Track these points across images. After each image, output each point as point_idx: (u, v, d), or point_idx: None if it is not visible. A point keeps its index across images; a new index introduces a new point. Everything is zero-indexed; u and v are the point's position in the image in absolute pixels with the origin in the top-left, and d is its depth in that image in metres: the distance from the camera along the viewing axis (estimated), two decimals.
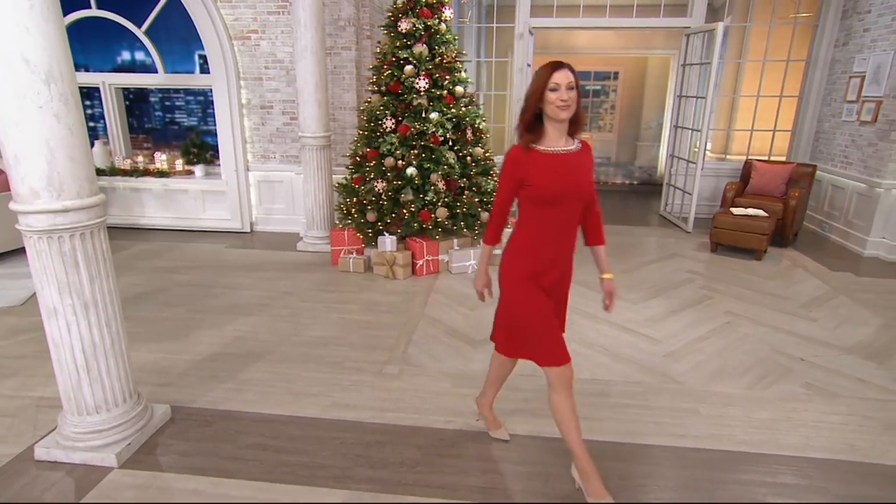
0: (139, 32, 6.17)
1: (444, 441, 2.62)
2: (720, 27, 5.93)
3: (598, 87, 11.01)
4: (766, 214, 5.54)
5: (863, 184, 5.79)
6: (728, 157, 8.29)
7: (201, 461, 2.48)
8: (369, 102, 5.07)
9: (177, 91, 8.88)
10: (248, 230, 6.45)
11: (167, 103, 9.16)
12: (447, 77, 4.89)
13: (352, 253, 5.12)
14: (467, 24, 7.75)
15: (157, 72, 6.37)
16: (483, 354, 3.46)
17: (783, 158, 7.19)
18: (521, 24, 6.85)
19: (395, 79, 4.82)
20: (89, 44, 7.07)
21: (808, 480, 2.38)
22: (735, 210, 5.68)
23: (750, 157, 6.85)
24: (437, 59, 4.84)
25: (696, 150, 6.70)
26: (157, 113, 9.30)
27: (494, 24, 7.41)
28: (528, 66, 6.85)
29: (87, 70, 6.78)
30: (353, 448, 2.56)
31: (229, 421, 2.78)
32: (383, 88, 4.92)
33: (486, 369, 2.94)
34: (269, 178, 6.36)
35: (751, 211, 5.60)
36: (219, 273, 5.00)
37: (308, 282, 4.78)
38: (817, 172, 6.40)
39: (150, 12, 6.06)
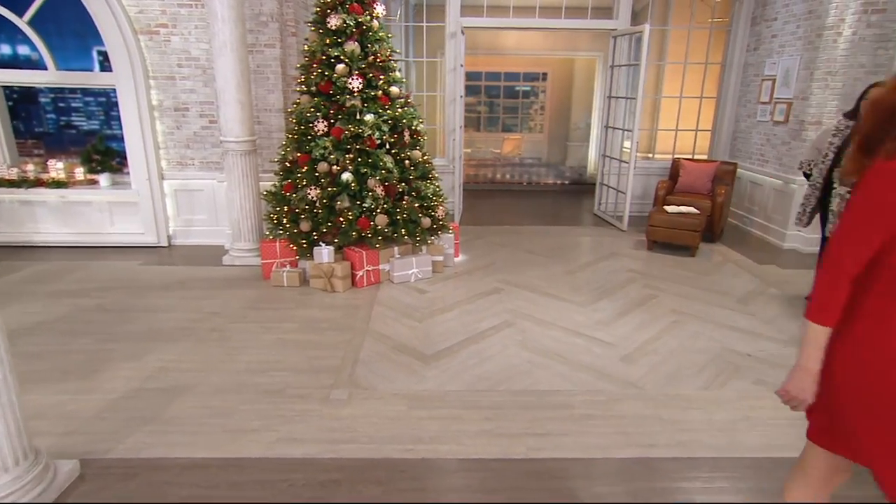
0: (21, 23, 5.46)
1: (405, 474, 2.41)
2: (647, 29, 6.10)
3: (528, 88, 11.16)
4: (697, 211, 5.74)
5: (779, 180, 6.15)
6: (654, 156, 8.61)
7: None
8: (298, 104, 4.75)
9: (73, 91, 8.06)
10: (166, 244, 5.90)
11: (61, 104, 8.27)
12: (381, 77, 4.67)
13: (285, 266, 4.78)
14: (395, 22, 7.54)
15: (45, 68, 5.67)
16: (436, 371, 3.28)
17: (706, 157, 7.54)
18: (453, 24, 6.75)
19: (325, 78, 4.54)
20: None
21: (777, 483, 2.38)
22: (669, 208, 5.84)
23: (676, 156, 7.11)
24: (370, 58, 4.61)
25: (627, 149, 6.87)
26: (48, 115, 8.38)
27: (424, 24, 7.26)
28: (461, 66, 6.75)
29: None
30: (305, 490, 2.30)
31: (155, 471, 2.42)
32: (313, 89, 4.62)
33: (441, 387, 2.78)
34: (188, 187, 5.85)
35: (683, 208, 5.79)
36: (133, 294, 4.50)
37: (238, 300, 4.39)
38: (738, 170, 6.74)
39: (34, 0, 5.38)
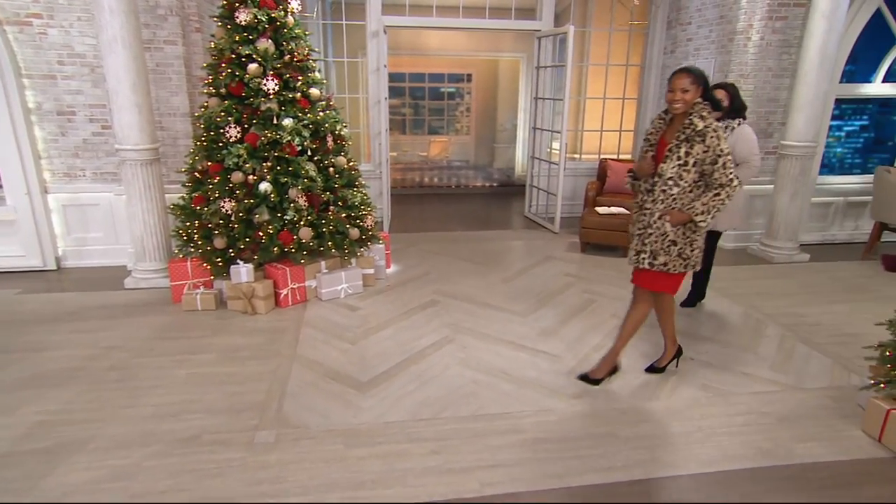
0: None
1: None
2: (571, 31, 6.11)
3: (453, 90, 11.03)
4: (627, 212, 5.79)
5: None
6: (580, 157, 8.72)
7: None
8: (206, 107, 4.30)
9: None
10: (54, 267, 5.21)
11: None
12: (300, 78, 4.32)
13: (198, 287, 4.31)
14: (312, 19, 7.15)
15: None
16: (373, 400, 3.01)
17: (630, 157, 7.70)
18: (375, 22, 6.47)
19: (236, 79, 4.13)
20: None
21: (741, 497, 2.32)
22: (600, 209, 5.87)
23: (603, 157, 7.21)
24: (286, 57, 4.25)
25: (556, 150, 6.88)
26: None
27: (343, 22, 6.92)
28: (384, 66, 6.48)
29: None
30: None
31: None
32: (223, 91, 4.20)
33: (380, 418, 2.54)
34: (79, 202, 5.19)
35: (614, 209, 5.83)
36: (10, 330, 3.89)
37: (143, 329, 3.90)
38: None
39: None
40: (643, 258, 2.93)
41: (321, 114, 4.43)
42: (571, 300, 4.54)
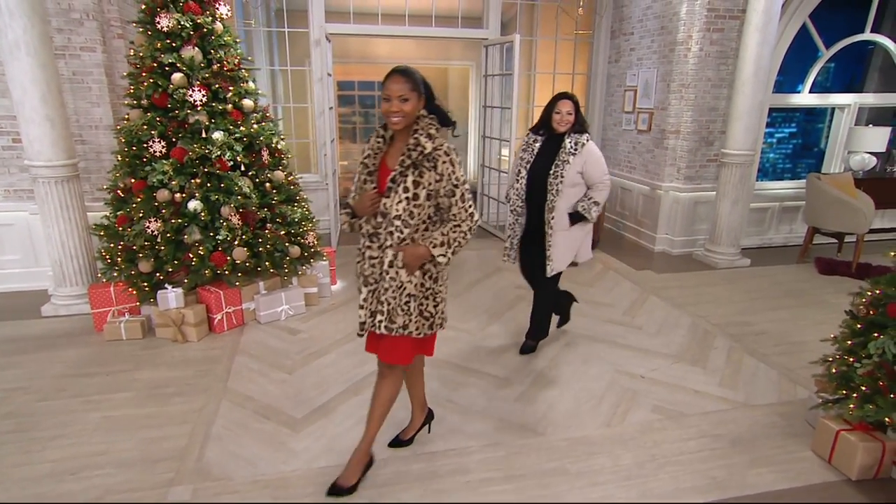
0: None
1: None
2: (517, 39, 5.91)
3: None
4: None
5: (646, 186, 6.27)
6: None
7: None
8: (127, 120, 3.86)
9: None
10: None
11: None
12: (230, 88, 3.93)
13: (123, 315, 3.86)
14: (253, 27, 6.72)
15: None
16: (308, 440, 2.68)
17: None
18: (317, 30, 6.09)
19: (159, 90, 3.71)
20: None
21: None
22: None
23: None
24: (214, 66, 3.85)
25: (504, 158, 6.67)
26: None
27: (286, 29, 6.52)
28: (329, 75, 6.12)
29: None
30: None
31: None
32: (145, 102, 3.77)
33: (312, 462, 2.25)
34: None
35: None
36: None
37: (57, 365, 3.43)
38: None
39: None
40: (379, 321, 2.13)
41: (255, 126, 4.05)
42: (521, 316, 4.28)
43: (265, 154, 4.11)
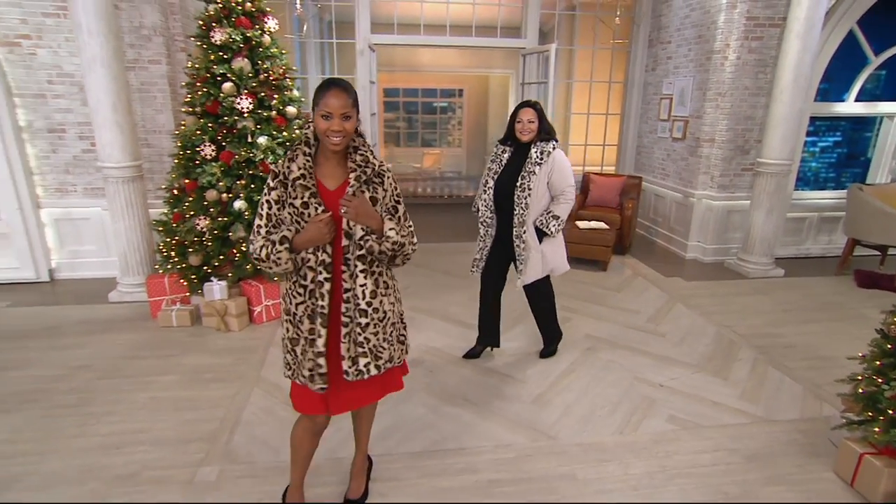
0: None
1: None
2: (553, 49, 5.76)
3: (445, 104, 10.67)
4: (607, 227, 5.44)
5: (679, 194, 5.98)
6: None
7: None
8: (184, 125, 3.99)
9: None
10: (47, 279, 4.93)
11: None
12: (275, 96, 4.00)
13: (175, 303, 4.01)
14: (303, 38, 6.84)
15: None
16: (329, 430, 2.66)
17: (614, 170, 7.34)
18: (362, 41, 6.14)
19: (211, 98, 3.82)
20: None
21: None
22: (581, 224, 5.51)
23: (586, 170, 6.86)
24: (261, 76, 3.92)
25: None
26: None
27: (334, 41, 6.60)
28: (372, 83, 6.15)
29: None
30: None
31: None
32: (199, 109, 3.88)
33: (333, 452, 2.22)
34: (72, 216, 4.90)
35: (594, 224, 5.47)
36: None
37: (116, 347, 3.59)
38: (643, 183, 6.55)
39: None
40: (366, 365, 1.79)
41: (297, 131, 4.10)
42: None
43: None
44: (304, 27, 6.74)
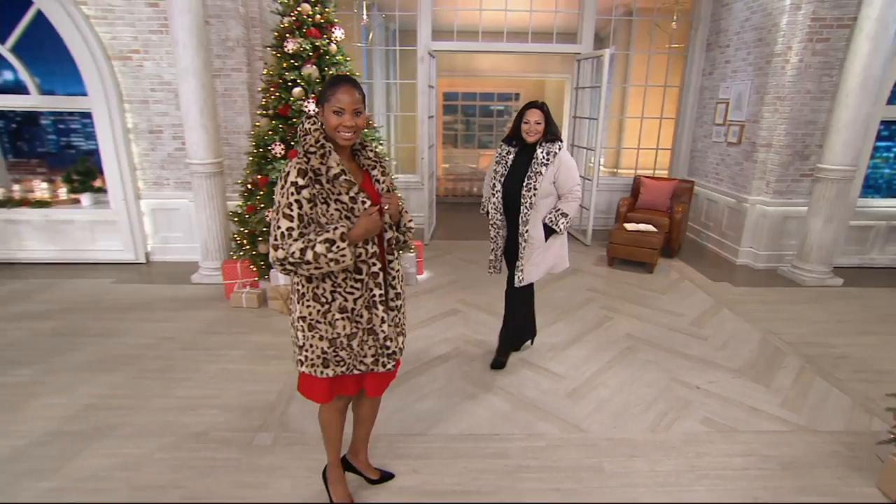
0: (3, 50, 4.97)
1: None
2: (607, 54, 5.61)
3: (502, 108, 10.63)
4: (655, 230, 5.26)
5: (732, 199, 5.67)
6: (618, 171, 8.15)
7: None
8: (258, 126, 4.25)
9: (71, 114, 7.52)
10: (144, 261, 5.40)
11: (61, 126, 7.76)
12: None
13: (245, 287, 4.28)
14: (369, 47, 7.04)
15: (28, 93, 5.16)
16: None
17: (666, 174, 7.06)
18: (422, 48, 6.24)
19: (283, 102, 4.04)
20: None
21: None
22: (628, 226, 5.36)
23: (638, 173, 6.64)
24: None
25: (591, 165, 6.39)
26: (49, 137, 7.85)
27: (397, 48, 6.76)
28: (431, 87, 6.25)
29: None
30: None
31: None
32: (271, 112, 4.12)
33: (374, 429, 2.29)
34: (165, 206, 5.35)
35: (642, 227, 5.30)
36: (94, 316, 4.00)
37: (196, 322, 3.90)
38: (695, 188, 6.27)
39: (15, 28, 4.88)
40: (403, 343, 1.90)
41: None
42: (589, 316, 4.12)
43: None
44: (371, 36, 6.94)
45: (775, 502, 2.15)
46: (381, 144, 4.49)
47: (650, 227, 5.28)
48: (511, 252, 3.03)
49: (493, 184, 2.96)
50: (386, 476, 2.24)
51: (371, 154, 1.83)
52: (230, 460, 2.37)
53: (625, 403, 2.88)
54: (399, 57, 7.30)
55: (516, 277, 2.97)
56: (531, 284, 3.11)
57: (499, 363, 3.26)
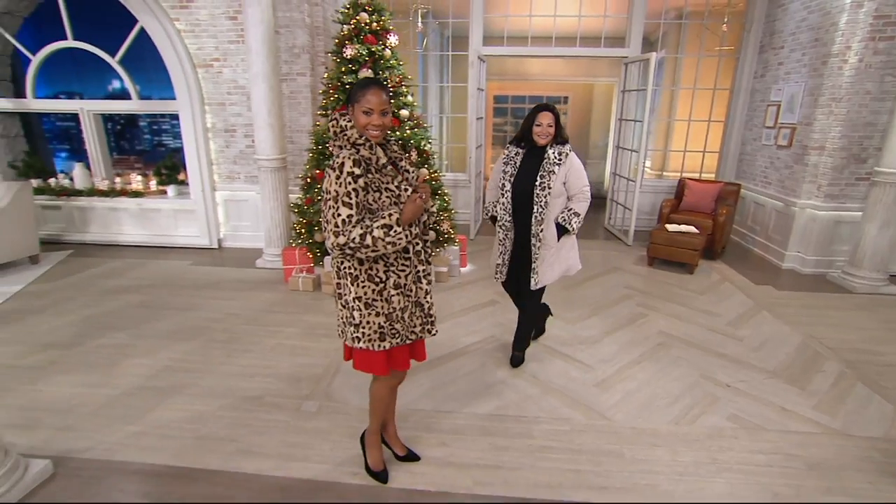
0: (113, 62, 5.49)
1: (342, 500, 2.04)
2: (653, 57, 5.43)
3: None
4: (697, 231, 5.05)
5: (780, 202, 5.34)
6: (665, 174, 7.85)
7: None
8: (318, 125, 4.46)
9: (163, 116, 8.15)
10: (217, 246, 5.80)
11: (154, 127, 8.43)
12: (392, 101, 4.28)
13: (302, 272, 4.51)
14: (424, 52, 7.16)
15: (131, 98, 5.68)
16: (410, 386, 2.88)
17: (713, 177, 6.74)
18: (472, 53, 6.28)
19: (341, 103, 4.22)
20: (84, 73, 6.38)
21: None
22: (669, 227, 5.18)
23: (683, 176, 6.38)
24: None
25: (635, 167, 6.21)
26: (145, 136, 8.55)
27: (450, 53, 6.84)
28: (480, 90, 6.29)
29: (81, 97, 6.04)
30: None
31: (118, 476, 2.17)
32: (330, 112, 4.31)
33: (408, 405, 2.38)
34: (236, 198, 5.71)
35: (684, 228, 5.11)
36: (174, 292, 4.36)
37: (257, 302, 4.16)
38: (742, 190, 5.95)
39: (123, 43, 5.40)
40: (435, 312, 2.01)
41: (408, 131, 4.37)
42: (623, 312, 4.03)
43: (414, 154, 4.42)
44: (425, 42, 7.05)
45: (797, 501, 2.05)
46: (429, 143, 4.59)
47: (692, 229, 5.08)
48: (517, 255, 2.92)
49: (503, 184, 2.83)
50: (412, 456, 2.27)
51: (396, 147, 1.92)
52: (280, 422, 2.54)
53: (651, 396, 2.82)
54: (451, 61, 7.37)
55: (532, 280, 2.85)
56: (542, 290, 2.97)
57: (517, 359, 3.16)
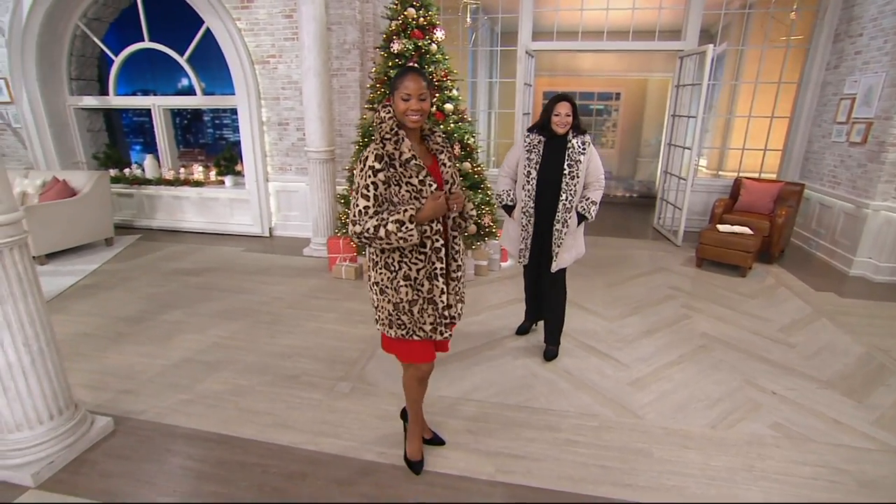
0: (181, 60, 5.90)
1: (367, 478, 2.11)
2: (710, 50, 5.16)
3: (601, 107, 10.18)
4: (751, 232, 4.76)
5: (850, 204, 4.93)
6: (722, 173, 7.44)
7: (118, 484, 2.05)
8: (365, 119, 4.58)
9: (224, 111, 8.65)
10: (268, 235, 6.09)
11: (217, 121, 8.96)
12: (437, 95, 4.34)
13: (346, 261, 4.65)
14: (473, 48, 7.16)
15: (196, 94, 6.07)
16: (441, 373, 2.92)
17: (774, 176, 6.32)
18: (521, 48, 6.22)
19: (387, 97, 4.30)
20: (157, 72, 6.93)
21: None
22: (721, 227, 4.92)
23: (741, 175, 6.03)
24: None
25: (687, 165, 5.93)
26: (208, 130, 9.11)
27: (498, 48, 6.80)
28: (528, 85, 6.22)
29: (154, 94, 6.55)
30: (272, 479, 2.08)
31: (166, 438, 2.34)
32: (377, 106, 4.41)
33: (438, 391, 2.41)
34: (287, 188, 5.97)
35: (737, 228, 4.83)
36: (228, 276, 4.63)
37: (302, 287, 4.34)
38: (806, 191, 5.55)
39: (191, 43, 5.79)
40: (462, 309, 2.01)
41: (452, 125, 4.40)
42: (666, 312, 3.88)
43: (457, 147, 4.45)
44: (475, 37, 7.05)
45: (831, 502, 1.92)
46: (472, 137, 4.60)
47: (746, 230, 4.80)
48: (538, 240, 2.94)
49: (528, 171, 2.83)
50: (437, 440, 2.30)
51: (439, 139, 1.91)
52: (314, 400, 2.65)
53: (688, 398, 2.70)
54: (501, 57, 7.33)
55: (553, 263, 2.91)
56: (564, 270, 3.03)
57: (552, 353, 3.14)
